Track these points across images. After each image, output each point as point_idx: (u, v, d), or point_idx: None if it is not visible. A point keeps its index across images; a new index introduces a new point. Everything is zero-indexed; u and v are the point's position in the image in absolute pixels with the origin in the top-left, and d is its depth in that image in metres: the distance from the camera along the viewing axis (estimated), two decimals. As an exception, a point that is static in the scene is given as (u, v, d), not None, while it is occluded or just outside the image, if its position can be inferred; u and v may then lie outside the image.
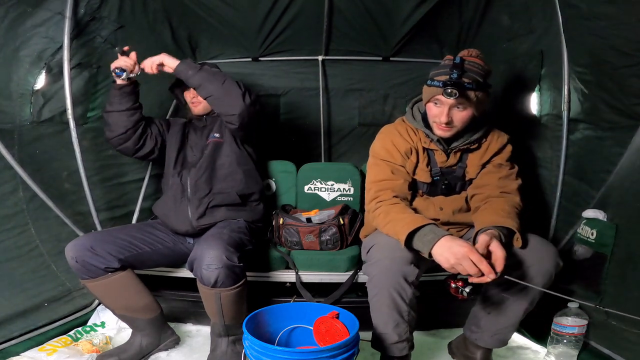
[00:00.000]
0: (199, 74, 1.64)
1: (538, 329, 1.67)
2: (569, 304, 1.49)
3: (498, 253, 1.17)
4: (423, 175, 1.51)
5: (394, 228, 1.30)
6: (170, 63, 1.66)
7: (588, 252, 1.52)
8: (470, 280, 1.16)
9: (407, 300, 1.30)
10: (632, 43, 1.28)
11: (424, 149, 1.50)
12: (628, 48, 1.30)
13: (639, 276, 1.31)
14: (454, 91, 1.28)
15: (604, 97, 1.49)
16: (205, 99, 1.69)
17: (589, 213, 1.52)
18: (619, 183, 1.45)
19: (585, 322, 1.49)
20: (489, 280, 1.13)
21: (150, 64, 1.66)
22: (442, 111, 1.36)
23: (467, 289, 1.21)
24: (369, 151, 1.56)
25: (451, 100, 1.33)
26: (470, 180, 1.53)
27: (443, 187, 1.52)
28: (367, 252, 1.42)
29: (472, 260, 1.12)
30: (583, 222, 1.54)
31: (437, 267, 1.25)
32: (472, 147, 1.49)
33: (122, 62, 1.67)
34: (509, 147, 1.52)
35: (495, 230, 1.27)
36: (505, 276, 1.19)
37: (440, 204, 1.53)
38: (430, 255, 1.20)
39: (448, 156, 1.50)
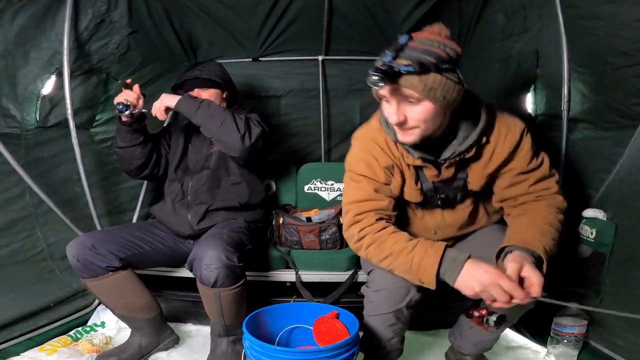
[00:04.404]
0: (198, 112, 1.61)
1: (538, 329, 1.67)
2: (569, 304, 1.49)
3: (534, 278, 0.99)
4: (412, 195, 1.27)
5: (401, 267, 1.13)
6: (170, 103, 1.63)
7: (587, 251, 1.52)
8: (495, 305, 1.00)
9: (402, 319, 1.28)
10: (632, 43, 1.27)
11: (408, 165, 1.23)
12: (628, 48, 1.30)
13: (639, 276, 1.31)
14: (377, 78, 0.96)
15: (603, 97, 1.48)
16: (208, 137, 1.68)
17: (589, 212, 1.52)
18: (619, 183, 1.45)
19: (585, 322, 1.49)
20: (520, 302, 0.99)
21: (158, 111, 1.64)
22: (393, 109, 1.06)
23: (494, 317, 1.08)
24: (344, 163, 1.31)
25: (389, 93, 1.03)
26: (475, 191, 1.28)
27: (439, 202, 1.29)
28: (368, 274, 1.33)
29: (501, 287, 0.97)
30: (582, 221, 1.54)
31: None
32: (468, 157, 1.19)
33: (125, 96, 1.61)
34: (527, 143, 1.20)
35: (526, 254, 1.06)
36: (538, 298, 1.00)
37: (439, 221, 1.33)
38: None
39: (440, 170, 1.23)
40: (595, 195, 1.55)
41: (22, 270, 1.65)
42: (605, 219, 1.47)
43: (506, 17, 1.87)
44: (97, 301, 1.88)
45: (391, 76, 0.97)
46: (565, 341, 1.49)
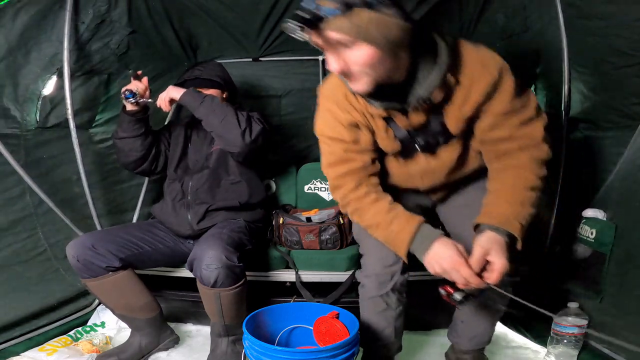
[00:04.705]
0: (201, 106, 1.64)
1: (538, 329, 1.67)
2: (569, 304, 1.49)
3: (496, 265, 1.01)
4: (388, 146, 1.19)
5: (380, 239, 1.19)
6: (175, 95, 1.67)
7: (587, 251, 1.52)
8: (459, 286, 1.07)
9: (392, 304, 1.31)
10: (632, 43, 1.28)
11: (373, 115, 1.14)
12: (628, 48, 1.30)
13: (639, 275, 1.31)
14: (295, 26, 0.86)
15: (604, 96, 1.49)
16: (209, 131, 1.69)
17: (589, 212, 1.52)
18: (619, 183, 1.45)
19: (585, 322, 1.49)
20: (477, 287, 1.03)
21: (163, 102, 1.67)
22: (331, 57, 0.95)
23: (458, 296, 1.10)
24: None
25: (320, 41, 0.92)
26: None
27: (418, 148, 1.20)
28: (360, 256, 1.38)
29: (459, 273, 1.02)
30: (582, 221, 1.54)
31: None
32: (437, 101, 1.07)
33: (133, 85, 1.66)
34: (508, 82, 1.07)
35: (499, 235, 1.06)
36: (492, 285, 1.04)
37: (423, 167, 1.24)
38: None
39: (408, 116, 1.12)
40: (595, 195, 1.55)
41: (26, 271, 1.65)
42: (605, 219, 1.47)
43: (506, 17, 1.87)
44: (97, 301, 1.88)
45: (313, 22, 0.86)
46: (565, 341, 1.49)
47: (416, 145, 1.19)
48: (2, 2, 1.41)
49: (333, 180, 1.21)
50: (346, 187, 1.18)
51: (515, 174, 1.12)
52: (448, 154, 1.21)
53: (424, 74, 1.02)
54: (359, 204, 1.18)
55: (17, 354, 1.51)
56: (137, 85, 1.67)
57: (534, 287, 1.73)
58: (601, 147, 1.54)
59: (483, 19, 2.00)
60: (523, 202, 1.09)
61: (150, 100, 1.70)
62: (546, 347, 1.57)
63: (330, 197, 2.19)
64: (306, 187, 2.22)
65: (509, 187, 1.11)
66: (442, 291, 1.14)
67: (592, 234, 1.48)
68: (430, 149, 1.20)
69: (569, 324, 1.48)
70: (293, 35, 0.89)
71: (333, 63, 0.95)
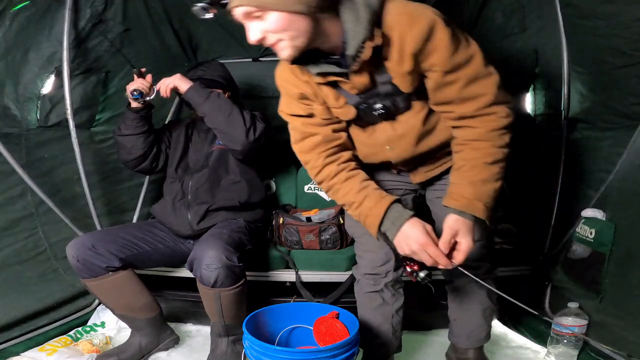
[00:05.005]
0: (206, 102, 1.64)
1: (538, 329, 1.67)
2: (569, 304, 1.50)
3: (463, 245, 1.06)
4: (343, 113, 1.17)
5: (354, 217, 1.20)
6: (181, 86, 1.66)
7: (586, 251, 1.52)
8: (427, 264, 1.09)
9: (388, 300, 1.34)
10: (632, 43, 1.28)
11: (319, 85, 1.13)
12: (628, 48, 1.30)
13: (638, 275, 1.31)
14: (198, 8, 0.95)
15: (603, 97, 1.49)
16: (212, 128, 1.69)
17: (588, 212, 1.52)
18: (618, 183, 1.45)
19: (585, 322, 1.49)
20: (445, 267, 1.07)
21: (165, 87, 1.67)
22: (247, 29, 0.98)
23: (422, 274, 1.13)
24: None
25: (234, 17, 0.96)
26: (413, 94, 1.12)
27: (377, 115, 1.16)
28: (356, 254, 1.41)
29: (427, 253, 1.05)
30: (582, 221, 1.54)
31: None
32: (367, 57, 1.01)
33: (138, 84, 1.66)
34: (441, 34, 0.99)
35: (465, 218, 1.07)
36: (459, 267, 1.08)
37: (389, 134, 1.19)
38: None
39: (351, 79, 1.09)
40: (595, 195, 1.55)
41: (26, 270, 1.65)
42: (604, 218, 1.47)
43: (505, 16, 1.87)
44: (97, 301, 1.88)
45: (216, 1, 0.95)
46: (565, 341, 1.49)
47: (374, 112, 1.15)
48: (21, 5, 1.42)
49: (300, 156, 1.24)
50: (315, 163, 1.20)
51: (475, 147, 1.09)
52: (412, 117, 1.17)
53: (350, 34, 1.00)
54: (330, 182, 1.20)
55: (17, 354, 1.51)
56: (143, 84, 1.67)
57: (534, 287, 1.74)
58: (600, 148, 1.54)
59: (482, 19, 2.00)
60: (486, 179, 1.08)
61: (154, 94, 1.71)
62: (546, 347, 1.57)
63: (330, 197, 2.20)
64: (306, 187, 2.22)
65: (470, 164, 1.09)
66: (407, 269, 1.16)
67: (591, 233, 1.48)
68: (391, 114, 1.16)
69: (569, 324, 1.48)
70: (202, 18, 0.96)
71: (250, 35, 0.97)
